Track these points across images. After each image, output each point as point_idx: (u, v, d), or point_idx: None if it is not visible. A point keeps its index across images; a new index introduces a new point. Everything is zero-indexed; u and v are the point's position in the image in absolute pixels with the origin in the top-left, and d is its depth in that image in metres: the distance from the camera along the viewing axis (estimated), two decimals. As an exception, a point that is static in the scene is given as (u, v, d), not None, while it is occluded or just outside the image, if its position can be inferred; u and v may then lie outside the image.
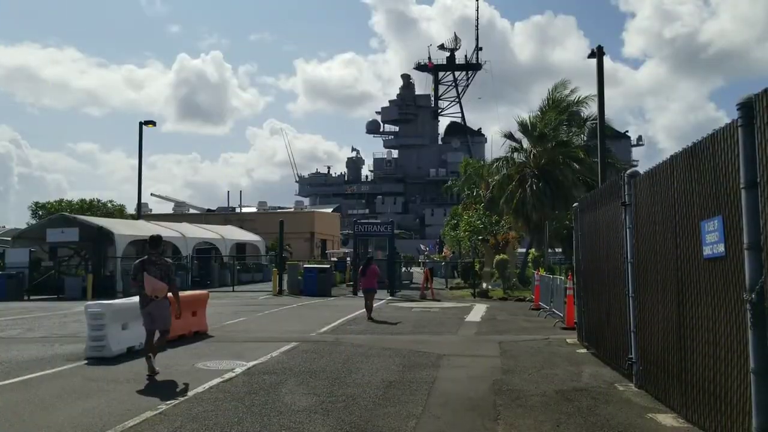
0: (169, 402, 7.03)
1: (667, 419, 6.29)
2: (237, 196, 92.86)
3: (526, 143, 27.99)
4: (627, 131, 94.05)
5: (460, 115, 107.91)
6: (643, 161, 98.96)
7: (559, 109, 27.24)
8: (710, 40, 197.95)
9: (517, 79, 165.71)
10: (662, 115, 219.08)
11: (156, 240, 9.24)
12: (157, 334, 8.81)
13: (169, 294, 8.90)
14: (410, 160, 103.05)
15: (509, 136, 28.57)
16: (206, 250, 34.04)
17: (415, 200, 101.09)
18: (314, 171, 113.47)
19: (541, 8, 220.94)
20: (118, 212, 42.16)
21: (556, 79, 28.55)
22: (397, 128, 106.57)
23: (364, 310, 16.49)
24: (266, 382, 8.18)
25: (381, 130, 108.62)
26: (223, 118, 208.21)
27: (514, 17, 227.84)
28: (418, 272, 36.00)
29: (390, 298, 24.08)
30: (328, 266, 29.07)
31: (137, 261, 9.11)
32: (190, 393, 7.48)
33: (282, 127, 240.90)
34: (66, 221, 27.96)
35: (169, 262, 9.32)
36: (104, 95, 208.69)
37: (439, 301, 22.90)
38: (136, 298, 9.45)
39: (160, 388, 7.79)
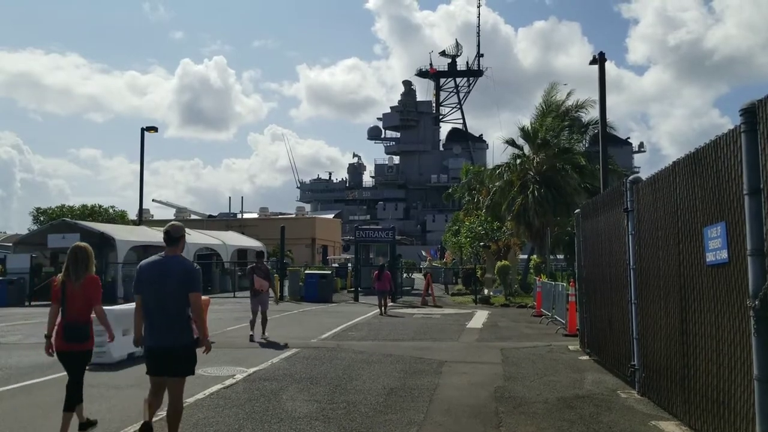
0: (169, 408, 6.99)
1: (669, 426, 6.25)
2: (239, 202, 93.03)
3: (527, 149, 28.01)
4: (629, 138, 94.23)
5: (461, 121, 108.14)
6: (646, 168, 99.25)
7: (557, 114, 27.24)
8: (715, 47, 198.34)
9: (520, 86, 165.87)
10: (666, 122, 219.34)
11: (260, 253, 16.38)
12: (259, 316, 13.24)
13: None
14: (412, 166, 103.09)
15: (511, 142, 28.60)
16: (207, 256, 34.00)
17: (417, 206, 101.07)
18: (316, 177, 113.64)
19: (544, 14, 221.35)
20: (120, 218, 42.21)
21: (560, 85, 28.51)
22: (398, 134, 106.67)
23: (366, 316, 17.09)
24: (267, 388, 8.16)
25: (382, 136, 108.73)
26: (226, 124, 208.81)
27: (518, 23, 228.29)
28: (419, 278, 35.97)
29: (391, 304, 24.00)
30: (330, 272, 29.03)
31: (248, 267, 14.79)
32: (191, 399, 7.45)
33: (284, 132, 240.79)
34: (67, 227, 27.97)
35: (268, 267, 14.55)
36: (107, 101, 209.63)
37: (440, 307, 22.86)
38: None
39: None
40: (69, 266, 5.95)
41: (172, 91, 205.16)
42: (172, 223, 5.75)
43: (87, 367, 6.43)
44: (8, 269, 27.79)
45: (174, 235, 5.51)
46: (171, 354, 5.31)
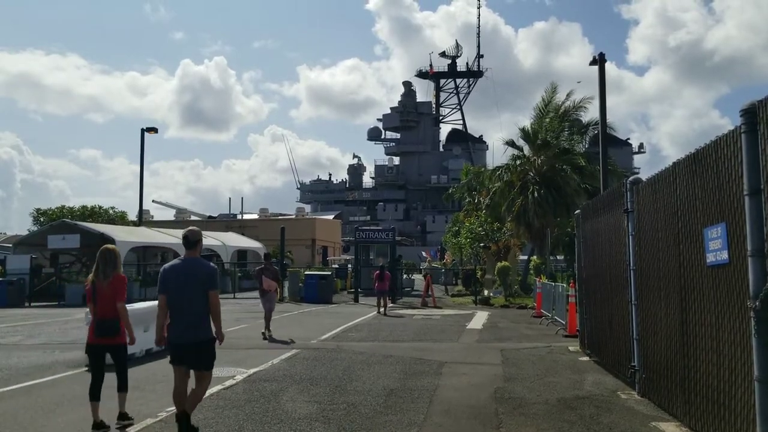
0: (169, 409, 6.98)
1: (670, 427, 6.25)
2: (239, 203, 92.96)
3: (527, 150, 28.02)
4: (629, 138, 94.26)
5: (461, 122, 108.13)
6: (645, 168, 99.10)
7: (557, 114, 27.23)
8: (715, 48, 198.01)
9: (521, 87, 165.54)
10: (666, 122, 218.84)
11: (267, 255, 17.92)
12: (266, 314, 14.05)
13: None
14: (411, 167, 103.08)
15: (511, 143, 28.61)
16: (207, 257, 33.85)
17: (417, 207, 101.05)
18: (316, 177, 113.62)
19: (545, 15, 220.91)
20: (120, 219, 42.19)
21: (561, 85, 28.60)
22: (398, 135, 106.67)
23: (366, 317, 17.34)
24: (267, 389, 8.15)
25: (382, 137, 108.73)
26: (227, 125, 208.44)
27: (518, 24, 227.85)
28: (419, 279, 35.96)
29: (391, 305, 24.00)
30: (329, 273, 29.03)
31: (257, 268, 15.41)
32: (191, 400, 7.43)
33: (284, 133, 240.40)
34: (67, 228, 27.97)
35: (276, 268, 15.17)
36: (107, 102, 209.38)
37: (440, 308, 22.85)
38: (136, 305, 10.96)
39: (160, 395, 7.76)
40: (98, 267, 6.40)
41: (173, 92, 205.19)
42: (190, 228, 6.17)
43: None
44: (8, 270, 27.80)
45: (192, 239, 5.99)
46: (196, 348, 5.81)
